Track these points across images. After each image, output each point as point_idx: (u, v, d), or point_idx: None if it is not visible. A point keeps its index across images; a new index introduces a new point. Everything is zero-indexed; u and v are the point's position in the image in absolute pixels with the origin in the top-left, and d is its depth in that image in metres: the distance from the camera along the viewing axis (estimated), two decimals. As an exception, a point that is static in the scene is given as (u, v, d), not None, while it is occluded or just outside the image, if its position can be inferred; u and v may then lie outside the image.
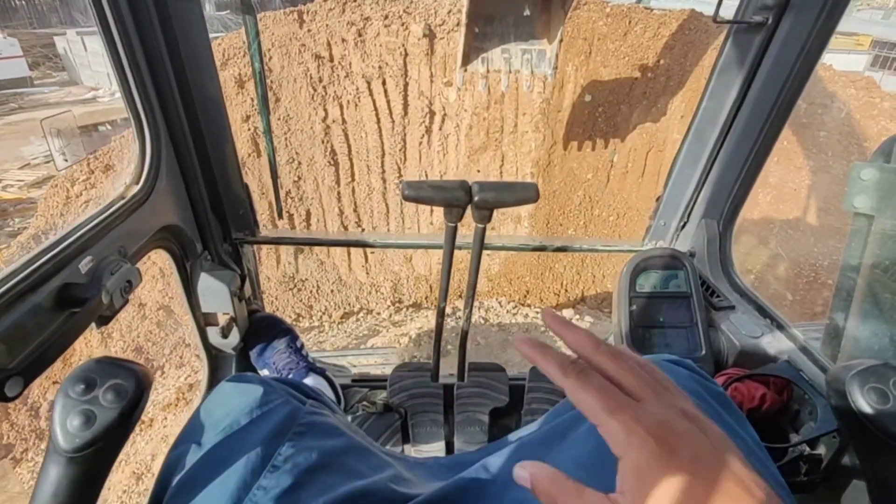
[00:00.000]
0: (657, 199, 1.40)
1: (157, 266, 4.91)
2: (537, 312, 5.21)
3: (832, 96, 5.66)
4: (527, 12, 4.74)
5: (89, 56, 15.14)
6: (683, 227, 1.37)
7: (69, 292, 0.71)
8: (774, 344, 1.11)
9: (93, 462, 0.46)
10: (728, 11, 1.08)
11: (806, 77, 1.09)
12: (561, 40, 4.87)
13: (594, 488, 0.55)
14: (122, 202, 0.88)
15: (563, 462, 0.59)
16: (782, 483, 0.55)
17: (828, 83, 5.74)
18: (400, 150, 5.93)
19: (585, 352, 0.37)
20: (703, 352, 1.18)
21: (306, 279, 5.99)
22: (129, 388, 0.45)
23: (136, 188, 0.93)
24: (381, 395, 1.33)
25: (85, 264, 0.75)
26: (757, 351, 1.12)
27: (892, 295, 0.90)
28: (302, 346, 1.33)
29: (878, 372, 0.63)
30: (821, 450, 0.93)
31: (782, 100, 1.11)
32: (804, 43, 1.04)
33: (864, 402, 0.50)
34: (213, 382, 1.31)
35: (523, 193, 0.88)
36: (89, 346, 4.61)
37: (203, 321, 1.21)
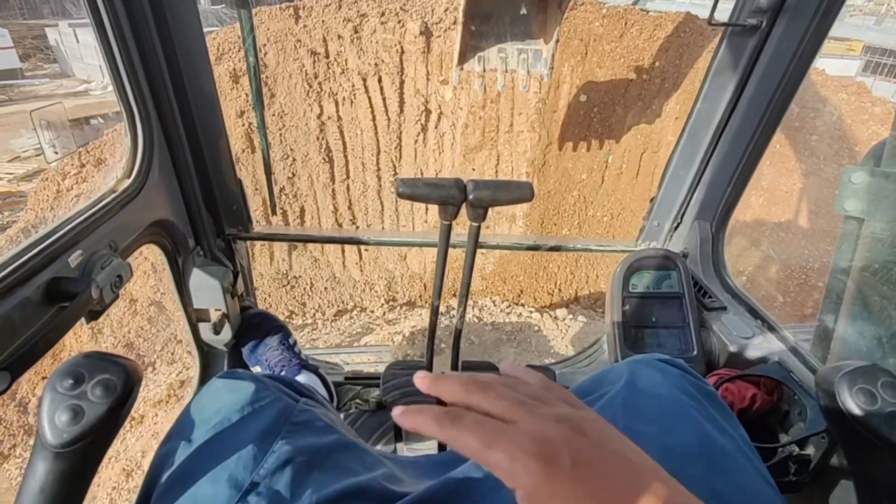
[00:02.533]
0: (651, 200, 1.40)
1: (149, 261, 4.87)
2: (531, 311, 5.23)
3: (824, 100, 5.72)
4: (523, 12, 4.74)
5: (81, 48, 14.95)
6: (677, 228, 1.37)
7: (59, 286, 0.70)
8: (765, 345, 1.12)
9: (81, 457, 0.45)
10: (723, 15, 1.09)
11: (799, 80, 1.10)
12: (557, 40, 4.87)
13: None
14: (113, 196, 0.87)
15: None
16: (772, 483, 0.56)
17: (820, 87, 5.80)
18: (395, 148, 5.91)
19: (457, 397, 0.36)
20: (695, 352, 1.19)
21: (300, 276, 5.97)
22: (118, 382, 0.44)
23: (127, 182, 0.91)
24: (374, 393, 1.33)
25: (75, 258, 0.75)
26: (748, 352, 1.13)
27: (880, 297, 0.91)
28: (295, 343, 1.32)
29: (866, 373, 0.63)
30: (810, 450, 0.94)
31: (775, 103, 1.12)
32: (798, 46, 1.04)
33: (852, 403, 0.51)
34: (204, 379, 1.30)
35: (518, 192, 0.88)
36: (79, 341, 4.56)
37: (195, 317, 1.20)
